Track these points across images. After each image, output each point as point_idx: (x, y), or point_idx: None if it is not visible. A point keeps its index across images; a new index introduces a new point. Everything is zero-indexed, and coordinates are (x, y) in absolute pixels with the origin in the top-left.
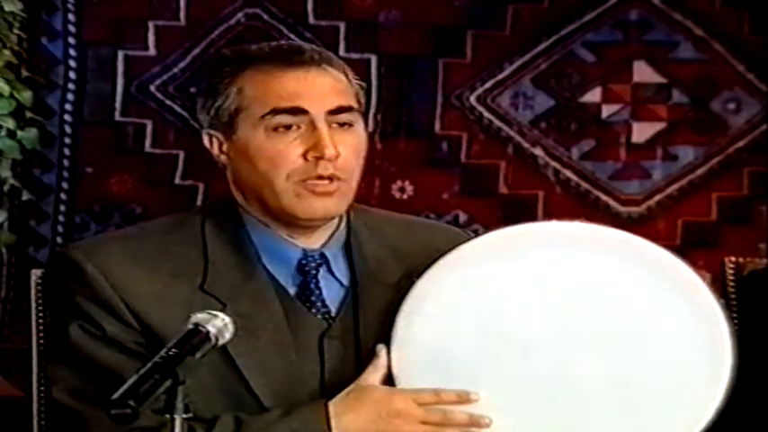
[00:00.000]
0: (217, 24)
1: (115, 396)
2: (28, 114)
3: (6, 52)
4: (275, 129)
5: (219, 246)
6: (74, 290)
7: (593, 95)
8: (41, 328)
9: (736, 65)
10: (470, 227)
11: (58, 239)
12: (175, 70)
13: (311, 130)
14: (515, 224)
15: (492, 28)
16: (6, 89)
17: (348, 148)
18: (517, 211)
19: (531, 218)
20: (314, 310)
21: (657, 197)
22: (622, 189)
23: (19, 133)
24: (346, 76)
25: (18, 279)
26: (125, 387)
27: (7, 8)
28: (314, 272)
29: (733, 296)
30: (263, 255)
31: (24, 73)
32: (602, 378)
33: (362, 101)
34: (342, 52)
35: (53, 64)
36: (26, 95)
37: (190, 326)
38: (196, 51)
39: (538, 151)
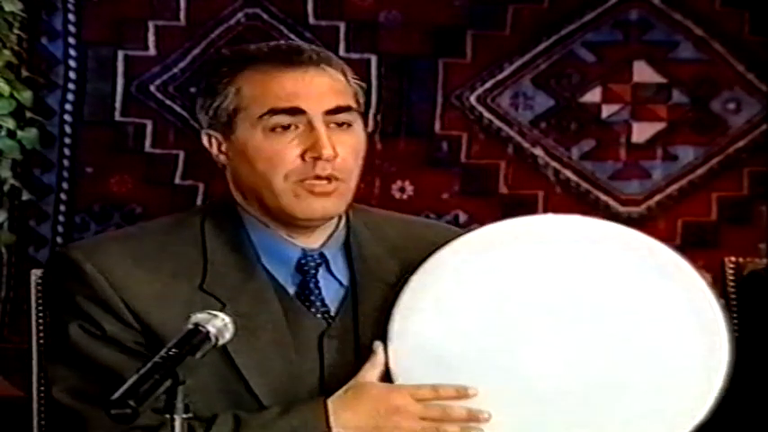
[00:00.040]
0: (217, 24)
1: (115, 396)
2: (28, 114)
3: (6, 52)
4: (273, 129)
5: (219, 246)
6: (73, 290)
7: (593, 95)
8: (41, 328)
9: (736, 65)
10: (470, 227)
11: (58, 239)
12: (175, 70)
13: (309, 131)
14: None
15: (492, 28)
16: (6, 89)
17: (346, 149)
18: (517, 212)
19: None
20: (313, 310)
21: (657, 197)
22: (622, 189)
23: (19, 133)
24: (345, 75)
25: (18, 279)
26: (125, 387)
27: (7, 8)
28: (313, 271)
29: (733, 296)
30: (263, 254)
31: (24, 73)
32: (598, 369)
33: (362, 101)
34: (342, 52)
35: (53, 64)
36: (26, 95)
37: (190, 326)
38: (196, 51)
39: (538, 151)
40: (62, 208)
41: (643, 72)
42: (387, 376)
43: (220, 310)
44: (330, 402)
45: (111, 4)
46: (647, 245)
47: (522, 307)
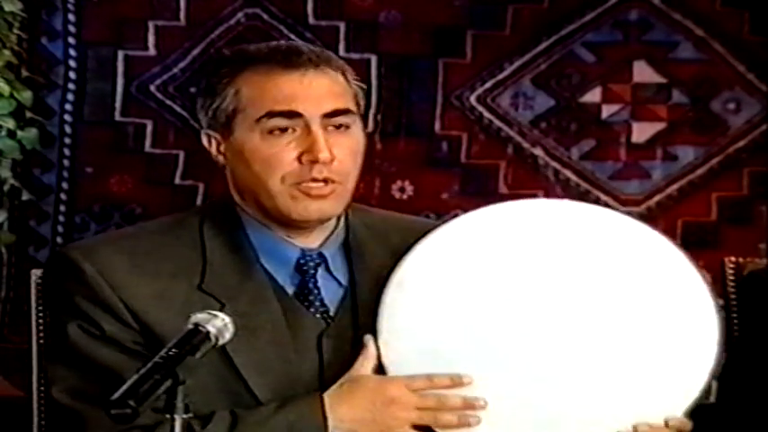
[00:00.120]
0: (217, 24)
1: (115, 396)
2: (28, 114)
3: (6, 52)
4: (270, 131)
5: (218, 246)
6: (73, 290)
7: (593, 95)
8: (41, 328)
9: (736, 65)
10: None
11: (58, 239)
12: (175, 70)
13: (306, 133)
14: None
15: (492, 28)
16: (6, 89)
17: (344, 151)
18: None
19: None
20: (312, 310)
21: (657, 197)
22: (622, 189)
23: (19, 133)
24: (345, 77)
25: (18, 279)
26: (125, 387)
27: (7, 8)
28: (312, 271)
29: (733, 296)
30: (262, 255)
31: (24, 73)
32: (592, 354)
33: (362, 102)
34: (342, 52)
35: (53, 64)
36: (26, 95)
37: (190, 326)
38: (196, 51)
39: (538, 151)
40: (62, 208)
41: (643, 72)
42: (380, 369)
43: (219, 310)
44: (326, 397)
45: (111, 4)
46: (637, 229)
47: (512, 292)
